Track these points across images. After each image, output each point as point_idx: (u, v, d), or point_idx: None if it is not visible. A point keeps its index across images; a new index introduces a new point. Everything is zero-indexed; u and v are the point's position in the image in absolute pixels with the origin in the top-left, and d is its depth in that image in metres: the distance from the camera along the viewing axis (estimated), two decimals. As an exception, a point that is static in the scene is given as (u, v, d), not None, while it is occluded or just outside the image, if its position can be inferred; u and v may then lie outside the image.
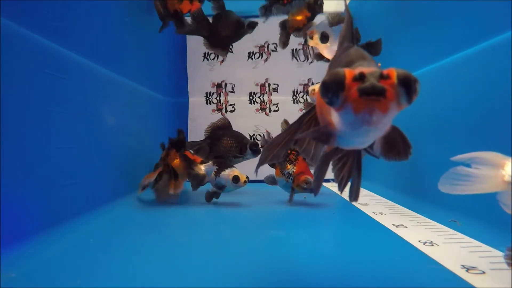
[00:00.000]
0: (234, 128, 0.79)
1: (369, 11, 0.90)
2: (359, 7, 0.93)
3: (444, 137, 0.58)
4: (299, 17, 0.81)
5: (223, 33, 0.78)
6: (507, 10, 0.43)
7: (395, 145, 0.26)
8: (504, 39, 0.44)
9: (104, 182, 0.61)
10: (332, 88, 0.20)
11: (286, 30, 0.85)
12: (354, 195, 0.29)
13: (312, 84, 1.11)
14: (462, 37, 0.54)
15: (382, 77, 0.20)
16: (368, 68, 0.21)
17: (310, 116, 0.30)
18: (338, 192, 0.31)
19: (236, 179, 0.64)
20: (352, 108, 0.20)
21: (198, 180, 0.68)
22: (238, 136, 0.77)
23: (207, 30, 0.77)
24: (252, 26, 0.79)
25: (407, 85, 0.20)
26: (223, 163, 0.68)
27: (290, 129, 0.30)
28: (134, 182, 0.74)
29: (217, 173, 0.66)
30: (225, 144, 0.76)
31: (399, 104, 0.20)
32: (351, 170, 0.29)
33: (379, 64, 0.31)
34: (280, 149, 0.30)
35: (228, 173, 0.65)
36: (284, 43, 0.87)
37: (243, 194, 0.76)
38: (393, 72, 0.20)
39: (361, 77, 0.20)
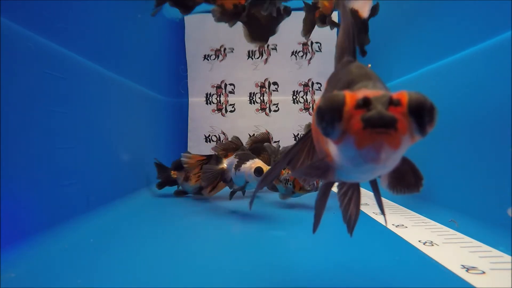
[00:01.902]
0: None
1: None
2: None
3: (444, 137, 0.58)
4: (326, 3, 0.71)
5: (262, 21, 0.73)
6: (507, 10, 0.43)
7: (405, 177, 0.22)
8: (504, 39, 0.44)
9: (104, 182, 0.61)
10: (329, 117, 0.16)
11: (312, 14, 0.75)
12: (351, 229, 0.26)
13: (312, 84, 1.11)
14: (462, 37, 0.54)
15: (392, 103, 0.16)
16: (374, 90, 0.17)
17: (307, 142, 0.26)
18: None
19: (259, 171, 0.52)
20: (355, 142, 0.16)
21: (210, 175, 0.61)
22: (274, 151, 0.74)
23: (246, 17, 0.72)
24: (288, 11, 0.72)
25: (422, 114, 0.16)
26: (244, 154, 0.58)
27: (283, 161, 0.27)
28: (134, 182, 0.74)
29: (238, 166, 0.56)
30: (262, 159, 0.73)
31: (413, 136, 0.16)
32: (358, 205, 0.26)
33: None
34: (272, 177, 0.28)
35: (249, 165, 0.54)
36: (309, 30, 0.77)
37: (243, 194, 0.76)
38: (405, 97, 0.16)
39: (365, 103, 0.16)
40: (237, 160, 0.57)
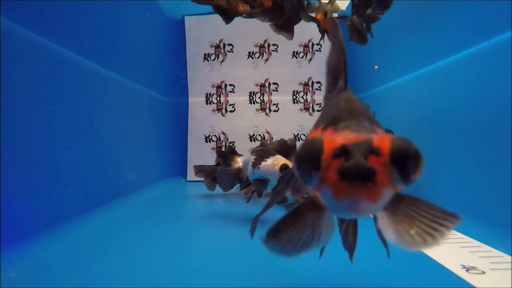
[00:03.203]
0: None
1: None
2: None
3: (443, 137, 0.58)
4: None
5: (287, 14, 0.72)
6: (507, 10, 0.43)
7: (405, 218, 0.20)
8: (504, 39, 0.44)
9: (104, 182, 0.61)
10: (306, 165, 0.15)
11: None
12: (351, 256, 0.25)
13: (313, 83, 1.11)
14: (462, 37, 0.54)
15: (373, 151, 0.15)
16: (356, 134, 0.16)
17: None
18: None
19: (285, 169, 0.47)
20: (331, 194, 0.15)
21: (225, 176, 0.56)
22: None
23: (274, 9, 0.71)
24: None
25: (405, 163, 0.15)
26: (262, 151, 0.52)
27: (276, 197, 0.26)
28: (134, 182, 0.74)
29: (256, 164, 0.51)
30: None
31: (395, 186, 0.15)
32: (355, 234, 0.24)
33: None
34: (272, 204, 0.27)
35: (271, 162, 0.49)
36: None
37: (243, 196, 0.76)
38: (387, 145, 0.15)
39: (343, 152, 0.15)
40: (254, 157, 0.52)
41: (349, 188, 0.15)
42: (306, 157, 0.15)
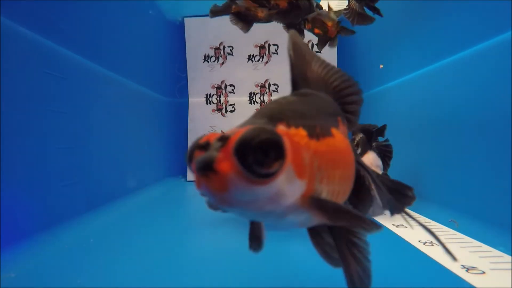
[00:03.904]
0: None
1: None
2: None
3: (443, 137, 0.58)
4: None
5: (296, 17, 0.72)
6: (507, 10, 0.43)
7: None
8: (504, 39, 0.44)
9: (104, 182, 0.61)
10: (187, 157, 0.17)
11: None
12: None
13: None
14: (462, 37, 0.54)
15: (224, 144, 0.15)
16: (237, 129, 0.17)
17: None
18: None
19: None
20: (195, 185, 0.16)
21: None
22: None
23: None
24: (320, 7, 0.74)
25: (246, 155, 0.15)
26: None
27: None
28: (134, 182, 0.74)
29: None
30: None
31: (244, 177, 0.15)
32: (341, 250, 0.23)
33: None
34: None
35: None
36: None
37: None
38: (234, 136, 0.15)
39: (204, 146, 0.16)
40: None
41: (198, 178, 0.16)
42: (188, 151, 0.17)
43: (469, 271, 0.32)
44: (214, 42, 1.12)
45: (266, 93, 1.12)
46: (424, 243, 0.40)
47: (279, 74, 1.12)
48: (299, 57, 0.24)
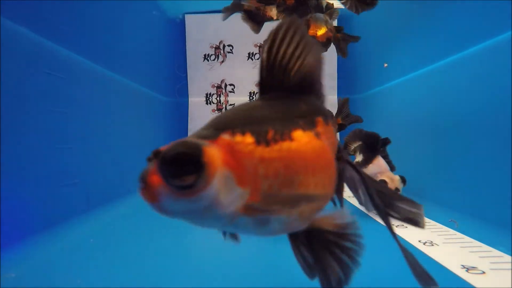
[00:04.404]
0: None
1: (371, 10, 0.90)
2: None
3: (443, 137, 0.58)
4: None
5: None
6: (507, 10, 0.43)
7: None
8: (504, 39, 0.44)
9: (104, 182, 0.61)
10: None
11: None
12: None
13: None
14: (462, 37, 0.54)
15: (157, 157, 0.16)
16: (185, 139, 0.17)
17: None
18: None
19: None
20: None
21: None
22: None
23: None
24: (330, 8, 0.74)
25: (164, 167, 0.16)
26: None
27: None
28: (134, 182, 0.74)
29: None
30: None
31: (170, 189, 0.16)
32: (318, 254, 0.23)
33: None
34: None
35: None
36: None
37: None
38: (163, 150, 0.16)
39: (150, 159, 0.17)
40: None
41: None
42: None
43: (469, 271, 0.32)
44: (214, 40, 1.12)
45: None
46: (424, 243, 0.40)
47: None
48: (279, 56, 0.22)
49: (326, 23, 0.67)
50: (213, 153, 0.16)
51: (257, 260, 0.37)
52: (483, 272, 0.32)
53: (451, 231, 0.45)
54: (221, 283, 0.31)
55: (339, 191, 0.27)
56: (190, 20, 1.11)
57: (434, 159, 0.61)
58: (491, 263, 0.34)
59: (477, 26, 0.50)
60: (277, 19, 0.68)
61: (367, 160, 0.53)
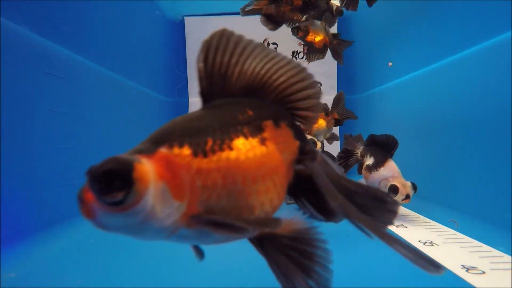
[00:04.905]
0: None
1: (371, 10, 0.90)
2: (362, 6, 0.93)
3: (443, 137, 0.58)
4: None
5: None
6: (507, 10, 0.43)
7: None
8: (504, 39, 0.44)
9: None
10: None
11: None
12: None
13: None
14: (462, 37, 0.54)
15: None
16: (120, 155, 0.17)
17: None
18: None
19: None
20: None
21: None
22: None
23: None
24: (340, 12, 0.73)
25: (93, 184, 0.16)
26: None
27: None
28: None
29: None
30: None
31: (101, 205, 0.16)
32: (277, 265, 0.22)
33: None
34: None
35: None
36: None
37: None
38: (94, 167, 0.16)
39: (87, 173, 0.17)
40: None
41: None
42: None
43: (469, 271, 0.32)
44: None
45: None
46: (424, 243, 0.40)
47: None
48: (216, 64, 0.22)
49: (324, 30, 0.68)
50: (144, 168, 0.16)
51: (258, 260, 0.37)
52: (483, 272, 0.32)
53: (451, 231, 0.45)
54: (221, 283, 0.31)
55: (312, 197, 0.26)
56: (190, 22, 1.11)
57: (434, 159, 0.61)
58: (491, 263, 0.34)
59: (477, 26, 0.50)
60: (296, 20, 0.69)
61: (379, 163, 0.53)
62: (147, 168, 0.16)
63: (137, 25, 0.82)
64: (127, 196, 0.16)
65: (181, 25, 1.11)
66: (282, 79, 0.24)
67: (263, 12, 0.67)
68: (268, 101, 0.24)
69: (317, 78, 1.09)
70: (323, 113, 0.71)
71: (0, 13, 0.37)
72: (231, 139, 0.20)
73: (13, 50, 0.38)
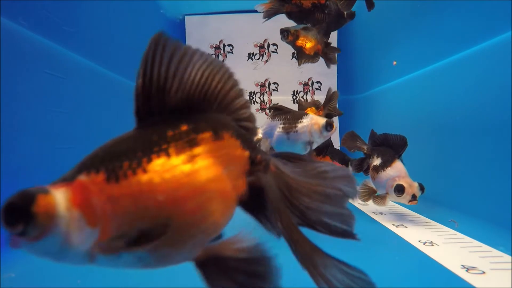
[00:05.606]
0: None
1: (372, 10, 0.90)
2: (361, 5, 0.93)
3: (443, 137, 0.58)
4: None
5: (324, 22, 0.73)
6: (507, 10, 0.43)
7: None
8: (504, 39, 0.44)
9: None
10: None
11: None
12: None
13: (313, 83, 1.11)
14: (462, 37, 0.54)
15: None
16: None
17: None
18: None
19: (330, 125, 0.46)
20: None
21: None
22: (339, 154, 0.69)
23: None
24: (352, 15, 0.73)
25: (2, 215, 0.16)
26: (286, 112, 0.48)
27: None
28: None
29: (289, 128, 0.48)
30: None
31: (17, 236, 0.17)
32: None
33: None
34: None
35: (308, 122, 0.47)
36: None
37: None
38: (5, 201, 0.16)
39: None
40: (281, 122, 0.48)
41: None
42: None
43: (469, 271, 0.32)
44: (214, 40, 1.12)
45: (266, 92, 1.12)
46: (424, 243, 0.40)
47: (279, 73, 1.12)
48: (154, 78, 0.21)
49: (316, 37, 0.68)
50: (49, 201, 0.16)
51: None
52: (483, 272, 0.32)
53: (451, 231, 0.45)
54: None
55: (265, 212, 0.25)
56: (190, 21, 1.11)
57: (433, 159, 0.61)
58: (491, 263, 0.34)
59: (477, 26, 0.50)
60: (318, 19, 0.69)
61: (386, 164, 0.53)
62: (53, 199, 0.17)
63: (137, 24, 0.82)
64: (27, 228, 0.16)
65: (181, 24, 1.11)
66: (219, 85, 0.23)
67: (285, 10, 0.68)
68: (212, 111, 0.22)
69: (317, 78, 1.11)
70: (314, 107, 0.71)
71: (0, 13, 0.37)
72: (150, 161, 0.19)
73: (13, 50, 0.38)
